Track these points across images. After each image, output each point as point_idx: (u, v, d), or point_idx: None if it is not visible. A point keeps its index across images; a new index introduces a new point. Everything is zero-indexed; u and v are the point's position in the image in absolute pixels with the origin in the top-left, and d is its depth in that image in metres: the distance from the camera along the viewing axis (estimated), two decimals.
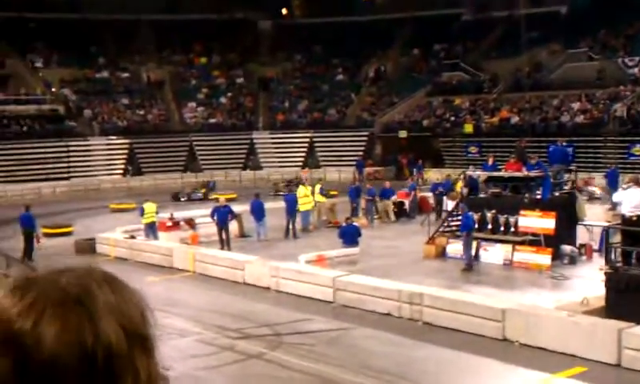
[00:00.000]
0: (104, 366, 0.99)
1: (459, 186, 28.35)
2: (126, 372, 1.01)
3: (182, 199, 39.23)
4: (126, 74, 59.84)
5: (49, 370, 0.97)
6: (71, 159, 50.23)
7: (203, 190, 41.14)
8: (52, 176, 48.03)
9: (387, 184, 33.85)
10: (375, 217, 31.26)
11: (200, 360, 13.52)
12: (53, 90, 55.13)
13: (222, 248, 25.13)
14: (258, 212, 27.51)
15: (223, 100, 59.74)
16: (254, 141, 56.23)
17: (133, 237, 25.88)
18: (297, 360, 13.80)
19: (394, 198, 32.29)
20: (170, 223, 27.95)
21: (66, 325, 0.99)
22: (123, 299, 1.06)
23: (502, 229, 23.10)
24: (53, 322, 0.99)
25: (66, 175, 49.27)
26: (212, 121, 57.22)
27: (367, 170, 49.55)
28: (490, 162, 27.45)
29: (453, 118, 52.35)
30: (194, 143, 54.72)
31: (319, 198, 31.00)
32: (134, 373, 1.02)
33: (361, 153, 53.71)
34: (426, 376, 12.65)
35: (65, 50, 57.21)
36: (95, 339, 0.99)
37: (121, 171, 52.05)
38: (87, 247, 25.96)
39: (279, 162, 54.33)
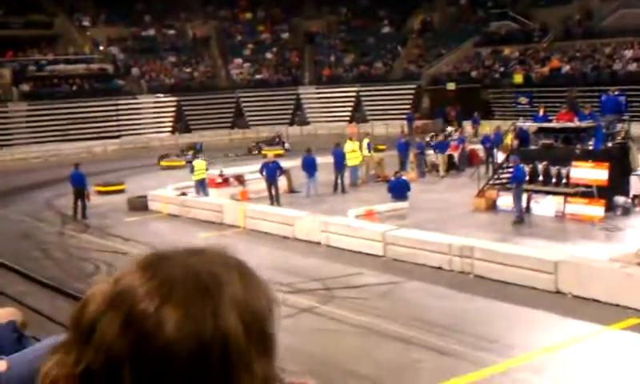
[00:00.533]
0: (219, 360, 0.97)
1: (509, 138, 27.99)
2: (242, 370, 0.98)
3: None
4: (171, 31, 60.06)
5: (164, 356, 0.95)
6: (120, 117, 50.81)
7: (191, 152, 40.41)
8: (103, 134, 48.71)
9: (440, 137, 33.54)
10: (425, 170, 31.13)
11: None
12: (101, 48, 55.62)
13: (272, 203, 25.30)
14: (310, 167, 27.56)
15: (269, 55, 59.65)
16: (301, 96, 56.14)
17: (184, 194, 26.16)
18: (348, 313, 13.91)
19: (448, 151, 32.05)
20: (219, 180, 28.18)
21: (189, 313, 0.97)
22: (250, 292, 1.03)
23: (554, 180, 22.83)
24: (176, 308, 0.97)
25: (116, 133, 49.91)
26: (258, 77, 57.22)
27: (416, 123, 49.18)
28: (541, 112, 27.03)
29: (502, 69, 51.55)
30: (241, 100, 54.86)
31: (367, 152, 30.92)
32: (250, 371, 0.99)
33: (408, 106, 53.29)
34: (479, 328, 12.64)
35: (111, 8, 57.58)
36: (214, 333, 0.97)
37: (169, 129, 52.51)
38: (140, 204, 26.31)
39: (326, 117, 54.20)
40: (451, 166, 31.69)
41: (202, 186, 26.76)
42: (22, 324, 2.88)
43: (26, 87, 49.56)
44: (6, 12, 53.63)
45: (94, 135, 48.09)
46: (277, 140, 42.75)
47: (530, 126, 25.79)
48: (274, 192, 25.88)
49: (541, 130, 24.80)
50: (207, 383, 0.97)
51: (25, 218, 25.51)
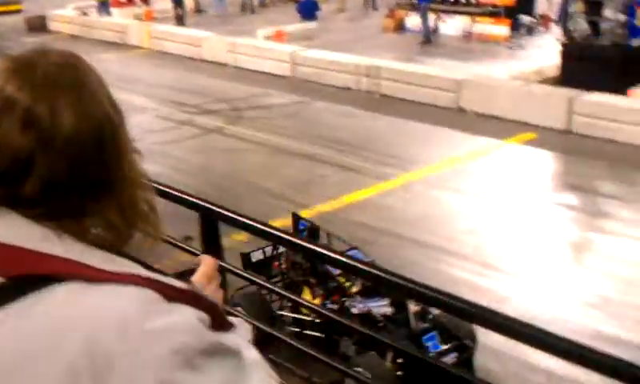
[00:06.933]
0: (109, 136, 1.16)
1: None
2: (120, 140, 1.18)
3: None
4: None
5: (71, 141, 1.09)
6: None
7: None
8: None
9: None
10: None
11: (159, 135, 13.59)
12: None
13: (178, 24, 24.63)
14: None
15: None
16: None
17: (85, 13, 25.19)
18: (256, 132, 13.95)
19: None
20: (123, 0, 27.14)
21: (79, 105, 1.11)
22: (98, 78, 1.19)
23: (463, 0, 22.84)
24: (67, 106, 1.10)
25: None
26: None
27: None
28: None
29: None
30: None
31: None
32: (123, 141, 1.20)
33: None
34: (383, 145, 12.91)
35: None
36: (103, 115, 1.15)
37: None
38: (38, 24, 25.27)
39: None
40: None
41: (104, 6, 25.74)
42: None
43: None
44: None
45: None
46: None
47: None
48: (180, 12, 25.15)
49: None
50: (103, 157, 1.14)
51: None
